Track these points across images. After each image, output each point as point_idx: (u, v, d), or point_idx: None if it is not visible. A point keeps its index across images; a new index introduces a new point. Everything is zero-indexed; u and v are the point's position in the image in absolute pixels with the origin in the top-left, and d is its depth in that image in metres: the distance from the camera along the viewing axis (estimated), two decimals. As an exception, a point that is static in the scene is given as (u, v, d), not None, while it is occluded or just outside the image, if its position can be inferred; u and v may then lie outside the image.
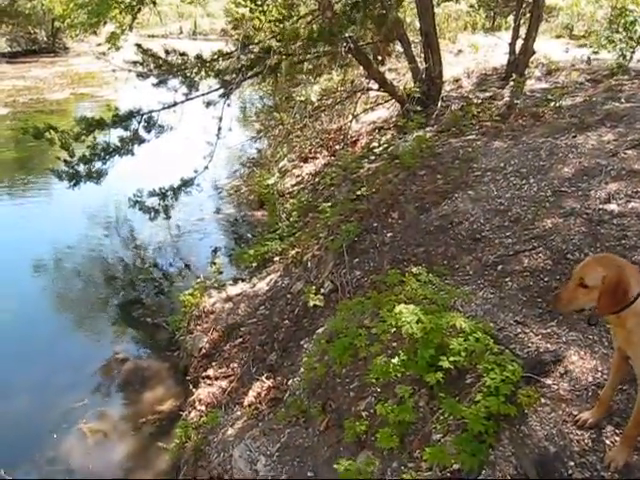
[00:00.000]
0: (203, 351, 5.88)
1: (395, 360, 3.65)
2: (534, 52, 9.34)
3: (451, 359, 3.42)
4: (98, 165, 7.09)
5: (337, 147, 10.02)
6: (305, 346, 5.06)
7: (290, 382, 4.90)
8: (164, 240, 9.31)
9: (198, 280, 6.83)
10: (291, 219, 7.56)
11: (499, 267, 4.66)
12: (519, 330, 3.87)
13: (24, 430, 5.60)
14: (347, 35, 6.54)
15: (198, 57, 8.06)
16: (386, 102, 10.32)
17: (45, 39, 33.01)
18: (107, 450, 5.38)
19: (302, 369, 4.73)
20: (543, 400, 3.23)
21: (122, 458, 5.31)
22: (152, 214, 7.50)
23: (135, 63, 8.35)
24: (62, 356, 6.72)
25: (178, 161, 10.80)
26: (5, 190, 12.41)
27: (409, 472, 3.28)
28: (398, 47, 10.84)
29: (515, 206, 5.36)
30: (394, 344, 4.05)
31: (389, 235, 5.71)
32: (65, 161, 7.06)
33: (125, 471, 5.17)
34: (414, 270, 4.28)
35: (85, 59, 29.21)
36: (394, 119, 9.83)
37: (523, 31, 9.43)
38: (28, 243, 9.50)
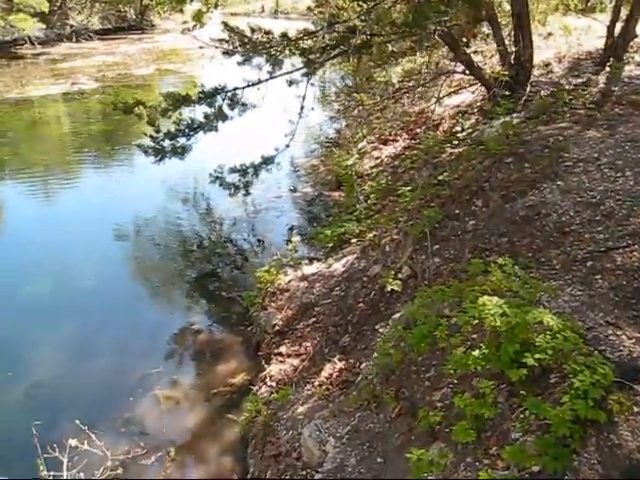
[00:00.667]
0: (276, 328, 5.93)
1: (476, 353, 3.52)
2: (636, 35, 8.71)
3: (536, 356, 3.25)
4: (182, 141, 7.23)
5: (418, 130, 9.78)
6: (380, 330, 4.99)
7: (363, 366, 4.86)
8: (240, 216, 9.44)
9: (274, 257, 6.89)
10: (369, 201, 7.46)
11: (589, 263, 4.41)
12: (610, 332, 3.64)
13: (104, 390, 5.87)
14: (441, 18, 6.31)
15: (283, 35, 8.02)
16: (471, 86, 9.96)
17: (133, 17, 34.07)
18: (179, 417, 5.54)
19: (376, 354, 4.67)
20: (636, 409, 3.03)
21: (193, 426, 5.45)
22: (232, 190, 7.59)
23: (221, 41, 8.42)
24: (140, 323, 6.98)
25: (257, 138, 10.92)
26: (92, 161, 12.95)
27: (484, 469, 3.17)
28: (484, 29, 10.43)
29: (609, 200, 5.03)
30: (474, 336, 3.91)
31: (471, 223, 5.51)
32: (151, 136, 7.24)
33: (195, 439, 5.31)
34: (499, 261, 4.10)
35: (170, 36, 29.95)
36: (479, 103, 9.49)
37: (624, 13, 8.81)
38: (111, 213, 9.93)
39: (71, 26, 29.09)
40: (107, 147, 13.87)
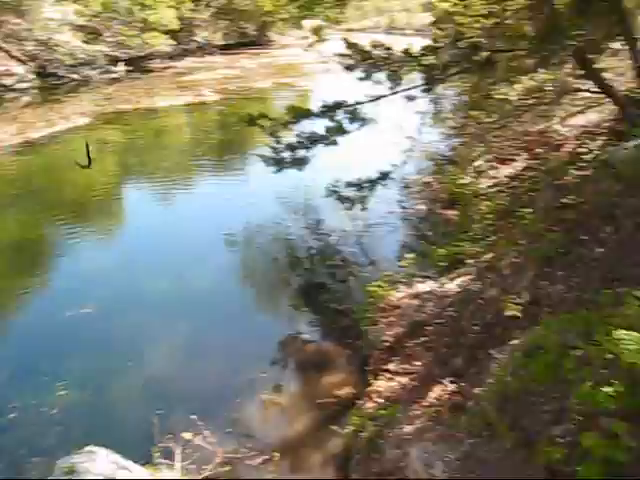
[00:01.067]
0: (386, 344, 5.87)
1: (607, 389, 3.29)
2: None
3: (679, 401, 2.99)
4: (302, 153, 7.40)
5: (539, 150, 9.40)
6: (496, 356, 4.80)
7: (476, 390, 4.68)
8: (351, 230, 9.49)
9: (386, 273, 6.85)
10: (485, 222, 7.25)
11: None
12: None
13: (214, 389, 6.08)
14: (577, 32, 6.04)
15: (405, 52, 8.03)
16: (599, 105, 9.44)
17: (253, 32, 35.60)
18: (283, 423, 5.62)
19: (491, 380, 4.50)
20: None
21: (297, 433, 5.50)
22: (348, 204, 7.65)
23: (343, 56, 8.55)
24: (249, 327, 7.14)
25: (371, 153, 10.97)
26: (210, 169, 13.58)
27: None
28: (615, 44, 9.85)
29: None
30: (604, 371, 3.66)
31: (599, 250, 5.19)
32: (272, 147, 7.46)
33: (298, 446, 5.36)
34: (637, 293, 3.82)
35: (287, 51, 31.01)
36: (608, 124, 8.96)
37: None
38: (225, 219, 10.35)
39: (196, 42, 30.88)
40: (225, 156, 14.51)
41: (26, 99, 21.52)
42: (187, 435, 4.52)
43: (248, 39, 35.20)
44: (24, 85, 22.83)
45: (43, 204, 11.30)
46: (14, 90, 22.32)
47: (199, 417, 5.08)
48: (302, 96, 19.91)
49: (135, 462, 4.24)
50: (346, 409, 5.60)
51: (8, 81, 22.47)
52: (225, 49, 31.64)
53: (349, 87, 8.23)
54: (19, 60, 23.43)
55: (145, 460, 4.40)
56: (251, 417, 5.64)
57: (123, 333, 7.10)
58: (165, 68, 27.00)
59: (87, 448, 4.03)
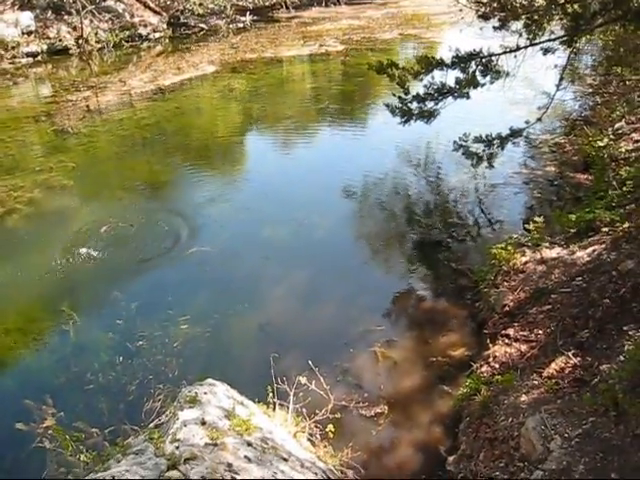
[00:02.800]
0: (506, 308, 5.64)
1: None
2: None
3: None
4: (430, 105, 7.12)
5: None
6: (630, 333, 4.45)
7: (603, 367, 4.39)
8: (474, 189, 9.13)
9: (512, 236, 6.53)
10: (624, 188, 6.64)
11: None
12: None
13: (328, 337, 6.19)
14: None
15: (550, -1, 7.39)
16: None
17: (381, -19, 34.48)
18: (395, 377, 5.61)
19: (622, 357, 4.19)
20: None
21: (407, 389, 5.47)
22: (475, 161, 7.33)
23: (477, 3, 8.05)
24: (365, 279, 7.15)
25: (501, 109, 10.39)
26: (331, 119, 13.49)
27: None
28: None
29: None
30: None
31: None
32: (400, 98, 7.25)
33: (408, 402, 5.34)
34: None
35: (414, 1, 29.82)
36: None
37: None
38: (344, 168, 10.29)
39: (322, -10, 30.49)
40: (347, 107, 14.37)
41: (159, 48, 22.44)
42: (302, 379, 4.61)
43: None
44: (157, 35, 23.77)
45: (171, 147, 11.84)
46: (148, 39, 23.33)
47: (313, 362, 5.18)
48: (429, 48, 19.15)
49: (250, 399, 4.43)
50: (459, 370, 5.50)
51: (143, 31, 23.48)
52: (351, -1, 31.03)
53: (477, 41, 7.77)
54: (154, 11, 24.36)
55: (259, 398, 4.57)
56: (362, 368, 5.68)
57: (241, 274, 7.38)
58: (290, 18, 26.95)
59: (208, 380, 4.24)
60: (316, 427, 4.67)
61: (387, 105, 7.41)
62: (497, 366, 5.13)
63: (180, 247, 7.84)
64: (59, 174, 10.34)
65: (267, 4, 27.76)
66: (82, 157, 11.39)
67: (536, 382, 4.69)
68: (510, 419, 4.48)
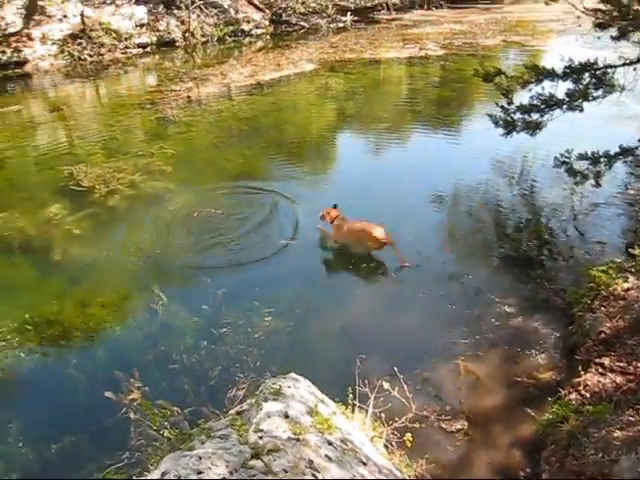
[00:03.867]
0: (602, 336, 5.33)
1: None
2: None
3: None
4: (536, 116, 6.84)
5: None
6: None
7: None
8: (570, 206, 8.71)
9: (614, 260, 6.16)
10: None
11: None
12: None
13: (411, 344, 6.10)
14: None
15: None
16: None
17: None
18: (476, 393, 5.44)
19: None
20: None
21: (489, 407, 5.29)
22: (578, 178, 6.97)
23: (594, 10, 7.65)
24: (452, 291, 6.96)
25: (611, 124, 9.84)
26: (424, 123, 13.30)
27: None
28: None
29: None
30: None
31: None
32: (502, 107, 7.01)
33: (489, 420, 5.15)
34: None
35: (519, 7, 28.89)
36: None
37: None
38: (435, 174, 10.15)
39: (425, -7, 30.11)
40: (443, 112, 14.11)
41: (260, 44, 22.97)
42: (387, 385, 4.55)
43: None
44: (259, 31, 24.34)
45: (266, 141, 12.05)
46: (250, 35, 23.93)
47: (392, 368, 5.11)
48: (533, 57, 18.48)
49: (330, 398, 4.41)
50: (545, 394, 5.26)
51: (246, 27, 24.11)
52: (454, 3, 30.35)
53: (587, 51, 7.36)
54: (257, 8, 24.95)
55: (337, 398, 4.55)
56: (444, 380, 5.55)
57: (325, 272, 7.38)
58: (391, 20, 26.81)
59: (291, 375, 4.26)
60: (393, 434, 4.61)
61: (490, 115, 7.16)
62: (588, 395, 4.86)
63: (269, 239, 7.97)
64: (159, 160, 10.79)
65: (368, 5, 27.76)
66: (181, 145, 11.85)
67: (632, 419, 4.41)
68: (601, 454, 4.23)
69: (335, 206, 7.72)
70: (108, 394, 5.33)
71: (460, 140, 12.07)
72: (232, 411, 4.27)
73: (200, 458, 2.79)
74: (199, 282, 7.11)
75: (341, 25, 25.40)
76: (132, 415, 5.09)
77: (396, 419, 4.62)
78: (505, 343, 5.99)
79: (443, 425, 4.95)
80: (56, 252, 7.91)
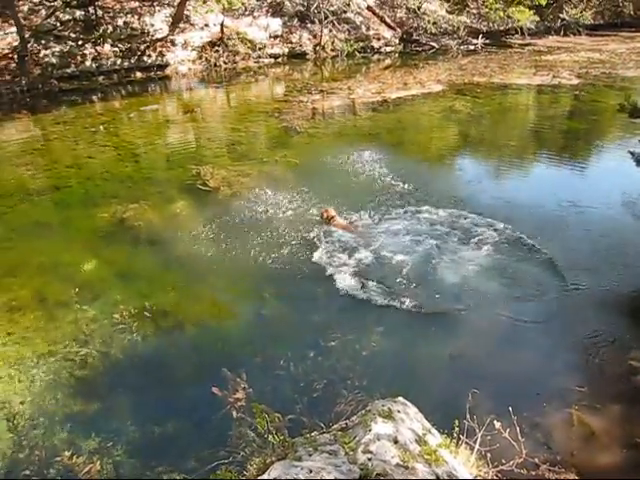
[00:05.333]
0: None
1: None
2: None
3: None
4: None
5: None
6: None
7: None
8: None
9: None
10: None
11: None
12: None
13: (520, 383, 5.81)
14: None
15: None
16: None
17: (631, 13, 31.72)
18: (591, 448, 5.09)
19: None
20: None
21: (604, 465, 4.95)
22: None
23: None
24: (575, 329, 6.57)
25: None
26: (553, 156, 12.66)
27: None
28: None
29: None
30: None
31: None
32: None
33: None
34: None
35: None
36: None
37: None
38: (557, 208, 9.58)
39: (562, 20, 28.92)
40: (572, 145, 13.45)
41: (388, 61, 23.15)
42: (498, 424, 4.36)
43: (622, 20, 31.58)
44: (388, 49, 24.55)
45: (390, 159, 11.86)
46: (379, 52, 24.19)
47: (500, 407, 4.88)
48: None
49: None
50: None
51: (376, 44, 24.41)
52: (593, 30, 28.94)
53: None
54: (389, 26, 25.19)
55: (444, 429, 4.41)
56: (555, 428, 5.25)
57: (439, 296, 7.21)
58: (524, 45, 25.99)
59: (400, 399, 4.20)
60: (496, 476, 4.40)
61: (632, 153, 6.71)
62: None
63: (377, 259, 7.92)
64: (282, 168, 11.12)
65: (501, 29, 27.16)
66: (305, 155, 12.13)
67: None
68: None
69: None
70: (215, 390, 5.56)
71: (589, 175, 11.39)
72: (336, 426, 4.27)
73: (311, 471, 2.82)
74: (313, 292, 7.23)
75: (472, 47, 25.02)
76: (235, 414, 5.27)
77: (502, 461, 4.39)
78: (628, 399, 5.55)
79: (552, 476, 4.66)
80: (179, 246, 8.36)
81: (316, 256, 7.95)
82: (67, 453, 4.96)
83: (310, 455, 3.22)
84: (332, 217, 8.75)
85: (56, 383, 5.87)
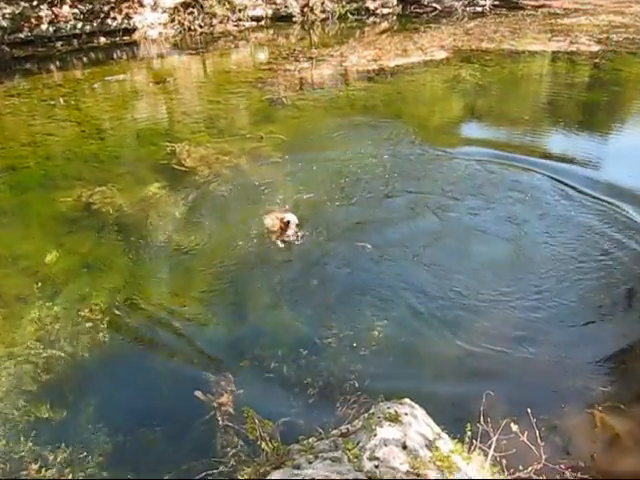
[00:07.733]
0: None
1: None
2: None
3: None
4: None
5: None
6: None
7: None
8: None
9: None
10: None
11: None
12: None
13: (537, 382, 5.89)
14: None
15: None
16: None
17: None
18: (614, 452, 5.20)
19: None
20: None
21: (629, 469, 5.04)
22: None
23: None
24: (598, 323, 6.65)
25: None
26: (568, 129, 12.65)
27: None
28: None
29: None
30: None
31: None
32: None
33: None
34: None
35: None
36: None
37: None
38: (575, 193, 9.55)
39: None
40: (590, 118, 13.53)
41: (385, 25, 23.12)
42: (515, 427, 4.42)
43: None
44: (385, 10, 24.53)
45: (385, 133, 11.93)
46: (375, 15, 24.18)
47: (515, 408, 4.96)
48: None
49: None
50: None
51: (371, 5, 24.38)
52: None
53: None
54: (386, -16, 25.19)
55: (455, 433, 4.48)
56: (575, 430, 5.34)
57: (456, 290, 7.24)
58: (537, 7, 26.02)
59: (406, 400, 4.27)
60: (512, 483, 4.49)
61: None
62: None
63: (392, 245, 8.04)
64: (268, 145, 11.13)
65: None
66: (293, 131, 12.11)
67: None
68: None
69: None
70: (198, 394, 5.60)
71: (610, 152, 11.45)
72: (335, 431, 4.33)
73: (314, 480, 2.86)
74: (309, 284, 7.27)
75: (479, 9, 25.04)
76: (220, 419, 5.31)
77: (520, 467, 4.47)
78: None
79: (576, 484, 4.75)
80: (152, 234, 8.35)
81: (309, 244, 8.06)
82: (35, 466, 4.98)
83: (310, 463, 3.28)
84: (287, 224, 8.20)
85: (18, 389, 5.86)
